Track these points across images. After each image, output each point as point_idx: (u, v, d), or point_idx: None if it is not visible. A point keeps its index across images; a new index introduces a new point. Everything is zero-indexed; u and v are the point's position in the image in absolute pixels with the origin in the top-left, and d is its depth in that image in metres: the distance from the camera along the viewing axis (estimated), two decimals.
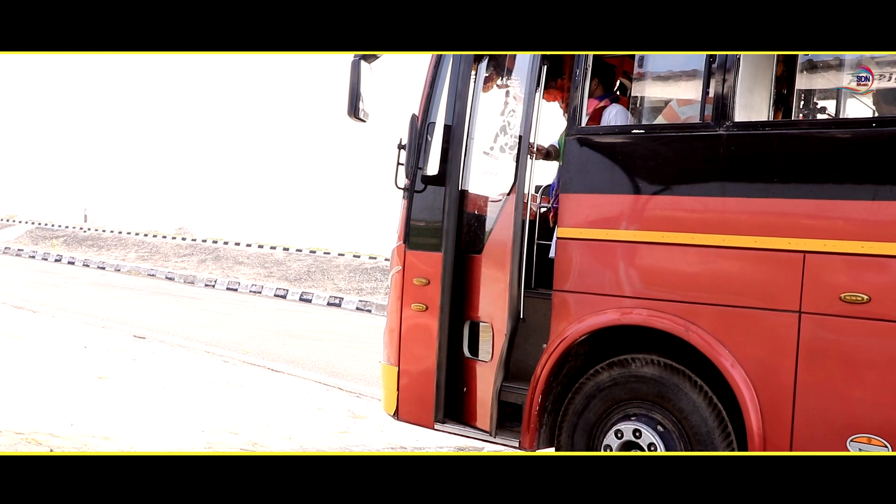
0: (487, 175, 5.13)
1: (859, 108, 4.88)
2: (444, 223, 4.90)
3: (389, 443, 6.54)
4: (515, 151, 4.78)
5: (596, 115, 5.06)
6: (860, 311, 3.71)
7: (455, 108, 4.91)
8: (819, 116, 4.98)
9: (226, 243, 26.86)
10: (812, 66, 4.26)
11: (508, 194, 4.74)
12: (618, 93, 5.49)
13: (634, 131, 4.56)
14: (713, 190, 4.14)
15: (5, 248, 29.63)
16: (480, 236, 4.98)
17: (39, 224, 33.48)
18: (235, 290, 21.66)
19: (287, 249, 25.18)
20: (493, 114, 5.06)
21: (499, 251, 4.77)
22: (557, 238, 4.61)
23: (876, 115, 4.52)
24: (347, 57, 5.00)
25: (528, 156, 4.73)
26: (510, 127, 4.96)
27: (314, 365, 10.16)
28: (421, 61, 5.17)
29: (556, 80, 5.43)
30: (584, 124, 4.60)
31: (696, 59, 4.31)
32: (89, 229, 31.85)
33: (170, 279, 23.39)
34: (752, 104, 4.34)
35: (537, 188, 5.41)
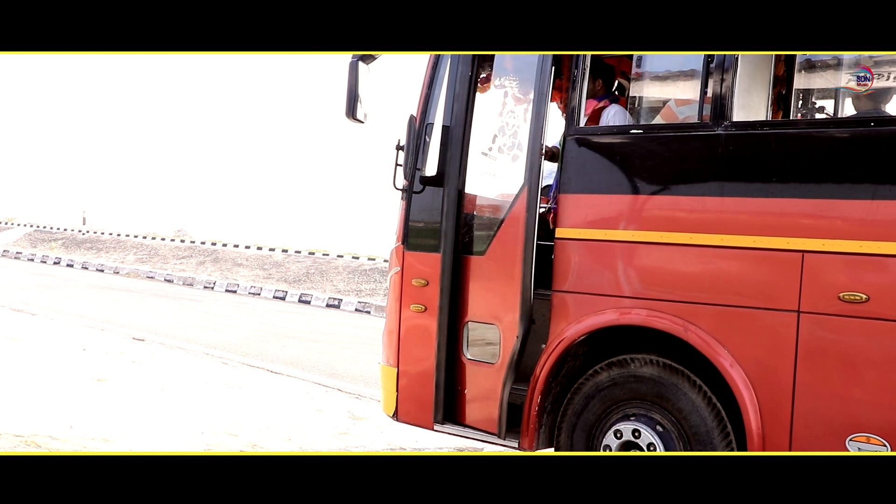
0: (486, 176, 5.12)
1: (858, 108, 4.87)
2: (442, 224, 4.89)
3: (389, 444, 6.54)
4: (518, 152, 4.77)
5: (595, 116, 5.06)
6: (859, 311, 3.71)
7: (453, 108, 4.89)
8: (818, 116, 4.99)
9: (224, 245, 26.83)
10: (810, 66, 4.27)
11: (518, 195, 4.65)
12: (616, 93, 5.50)
13: (633, 131, 4.56)
14: (712, 190, 4.14)
15: (4, 250, 29.57)
16: (482, 237, 4.95)
17: (38, 227, 33.45)
18: (234, 291, 21.63)
19: (286, 251, 25.16)
20: (492, 114, 5.05)
21: (506, 252, 4.68)
22: (556, 238, 4.60)
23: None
24: (346, 57, 5.00)
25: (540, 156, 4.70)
26: (509, 127, 4.96)
27: (313, 366, 10.14)
28: (419, 62, 5.17)
29: (555, 80, 5.42)
30: (582, 124, 4.61)
31: (694, 59, 4.31)
32: (88, 232, 31.82)
33: (169, 281, 23.36)
34: (751, 104, 4.34)
35: None
